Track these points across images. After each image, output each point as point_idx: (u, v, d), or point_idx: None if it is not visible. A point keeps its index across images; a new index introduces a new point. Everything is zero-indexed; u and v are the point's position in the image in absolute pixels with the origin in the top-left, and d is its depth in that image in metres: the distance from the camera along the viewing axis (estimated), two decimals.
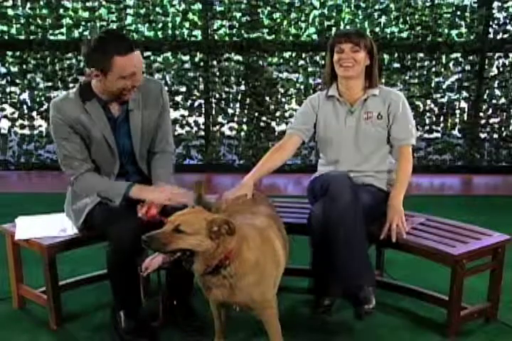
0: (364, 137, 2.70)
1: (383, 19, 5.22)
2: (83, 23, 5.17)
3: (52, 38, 5.20)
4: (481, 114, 5.46)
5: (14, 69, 5.29)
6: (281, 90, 5.35)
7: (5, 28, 5.18)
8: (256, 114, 5.39)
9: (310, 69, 5.28)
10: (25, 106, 5.38)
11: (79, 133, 2.44)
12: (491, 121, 5.50)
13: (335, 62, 2.64)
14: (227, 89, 5.37)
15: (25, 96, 5.36)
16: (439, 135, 5.52)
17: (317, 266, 2.58)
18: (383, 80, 5.28)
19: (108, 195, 2.42)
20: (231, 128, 5.49)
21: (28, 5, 5.13)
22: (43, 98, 5.34)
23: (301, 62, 5.29)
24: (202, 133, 5.48)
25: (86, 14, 5.17)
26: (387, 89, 2.80)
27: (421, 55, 5.32)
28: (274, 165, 2.71)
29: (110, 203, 2.42)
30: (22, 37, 5.20)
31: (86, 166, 2.47)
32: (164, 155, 2.62)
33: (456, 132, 5.55)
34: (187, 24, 5.21)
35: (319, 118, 2.76)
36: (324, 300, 2.62)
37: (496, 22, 5.24)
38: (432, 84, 5.38)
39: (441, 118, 5.48)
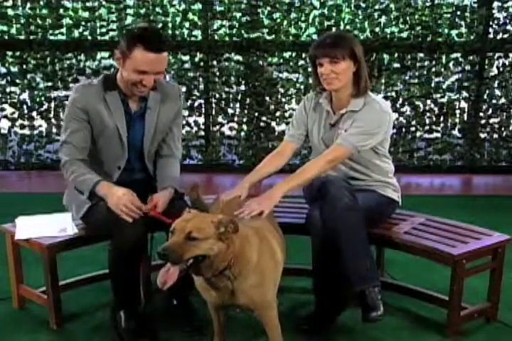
0: None
1: (383, 19, 5.21)
2: (83, 23, 5.16)
3: (52, 38, 5.20)
4: (481, 114, 5.46)
5: (14, 69, 5.28)
6: (281, 90, 5.34)
7: (5, 28, 5.17)
8: (256, 114, 5.38)
9: (310, 69, 5.26)
10: (25, 106, 5.37)
11: (91, 124, 2.46)
12: (491, 121, 5.49)
13: (319, 75, 2.53)
14: (227, 89, 5.37)
15: (25, 96, 5.36)
16: (439, 135, 5.52)
17: (319, 269, 2.56)
18: (383, 80, 5.29)
19: (80, 186, 2.44)
20: (231, 128, 5.49)
21: (28, 5, 5.12)
22: (43, 98, 5.33)
23: (301, 62, 5.28)
24: (202, 133, 5.47)
25: (86, 14, 5.16)
26: (372, 100, 2.54)
27: (421, 55, 5.31)
28: (272, 170, 2.72)
29: (81, 195, 2.44)
30: (22, 37, 5.20)
31: (81, 155, 2.48)
32: (171, 159, 2.64)
33: (456, 132, 5.54)
34: (187, 24, 5.21)
35: (309, 122, 2.72)
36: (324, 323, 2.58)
37: (496, 22, 5.24)
38: (432, 84, 5.37)
39: (441, 118, 5.47)
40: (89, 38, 5.19)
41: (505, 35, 5.26)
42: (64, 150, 2.49)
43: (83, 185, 2.43)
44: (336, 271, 2.43)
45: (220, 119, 5.45)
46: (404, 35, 5.24)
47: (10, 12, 5.15)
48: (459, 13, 5.21)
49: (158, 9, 5.16)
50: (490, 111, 5.46)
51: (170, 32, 5.18)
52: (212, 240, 1.91)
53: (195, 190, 2.59)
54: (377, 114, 2.51)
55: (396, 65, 5.30)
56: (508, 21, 5.24)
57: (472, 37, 5.26)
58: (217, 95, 5.37)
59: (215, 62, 5.29)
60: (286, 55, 5.30)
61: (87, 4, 5.14)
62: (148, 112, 2.52)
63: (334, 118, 2.62)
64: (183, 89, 5.29)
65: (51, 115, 5.38)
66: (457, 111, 5.50)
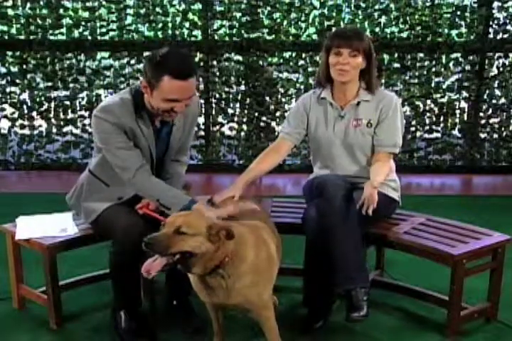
0: (353, 145, 2.62)
1: (383, 19, 5.20)
2: (83, 23, 5.16)
3: (52, 38, 5.19)
4: (481, 114, 5.45)
5: (14, 69, 5.27)
6: (281, 90, 5.34)
7: (5, 28, 5.17)
8: (256, 114, 5.38)
9: (310, 69, 5.27)
10: (25, 106, 5.36)
11: (130, 140, 2.40)
12: (491, 121, 5.48)
13: (331, 65, 2.54)
14: (227, 89, 5.36)
15: (25, 96, 5.35)
16: (439, 135, 5.52)
17: (309, 266, 2.56)
18: (383, 80, 5.28)
19: (166, 202, 2.33)
20: (231, 128, 5.48)
21: (28, 5, 5.11)
22: (43, 98, 5.33)
23: (301, 62, 5.28)
24: (202, 133, 5.47)
25: (86, 14, 5.16)
26: (383, 92, 2.68)
27: (421, 55, 5.30)
28: (266, 168, 2.69)
29: (165, 210, 2.34)
30: (22, 37, 5.19)
31: (141, 163, 2.38)
32: (176, 163, 2.66)
33: (456, 132, 5.54)
34: (187, 24, 5.20)
35: (310, 120, 2.72)
36: (317, 323, 2.57)
37: (496, 22, 5.23)
38: (432, 84, 5.36)
39: (441, 118, 5.47)
40: (89, 38, 5.18)
41: (505, 35, 5.25)
42: (124, 167, 2.35)
43: (172, 200, 2.32)
44: (327, 269, 2.42)
45: (220, 119, 5.44)
46: (404, 35, 5.24)
47: (10, 12, 5.14)
48: (459, 13, 5.20)
49: (158, 9, 5.15)
50: (490, 111, 5.45)
51: (170, 32, 5.18)
52: (202, 238, 1.91)
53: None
54: (394, 103, 2.62)
55: (396, 65, 5.30)
56: (508, 21, 5.24)
57: (472, 37, 5.25)
58: (217, 95, 5.37)
59: (215, 62, 5.29)
60: (286, 55, 5.29)
61: (87, 4, 5.13)
62: (174, 129, 2.51)
63: (346, 110, 2.63)
64: None
65: (51, 115, 5.37)
66: (457, 111, 5.49)
